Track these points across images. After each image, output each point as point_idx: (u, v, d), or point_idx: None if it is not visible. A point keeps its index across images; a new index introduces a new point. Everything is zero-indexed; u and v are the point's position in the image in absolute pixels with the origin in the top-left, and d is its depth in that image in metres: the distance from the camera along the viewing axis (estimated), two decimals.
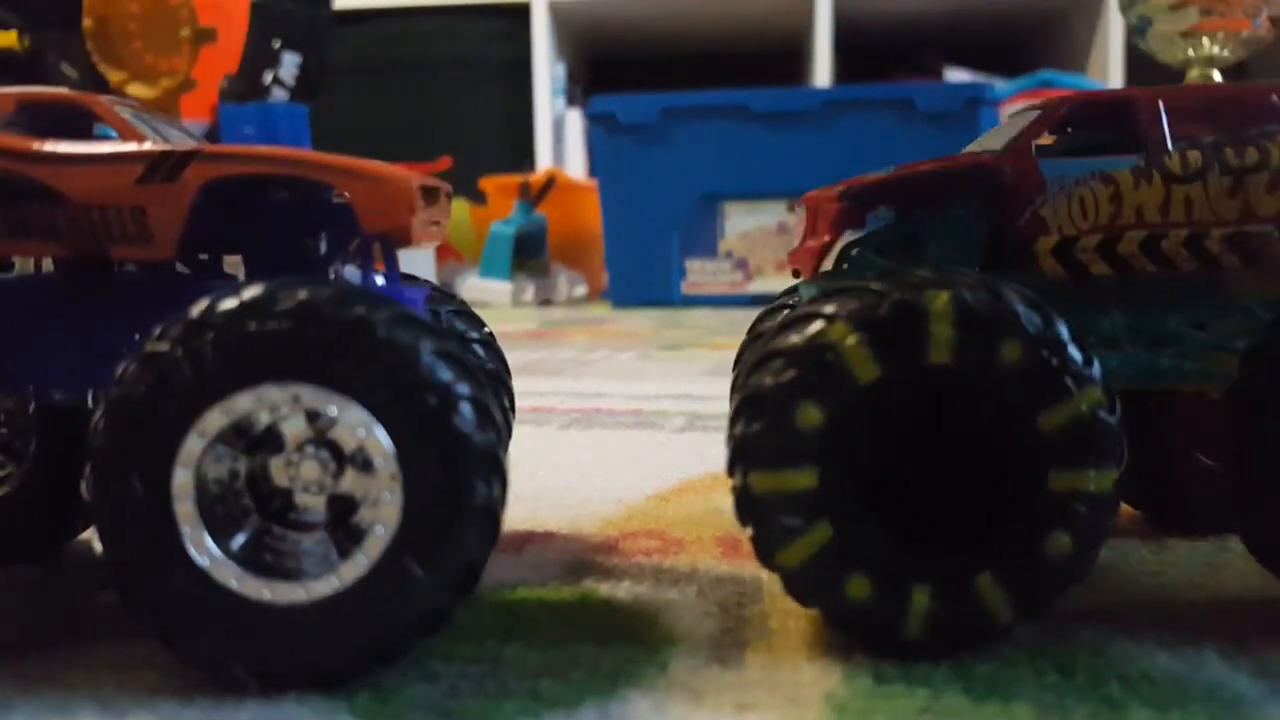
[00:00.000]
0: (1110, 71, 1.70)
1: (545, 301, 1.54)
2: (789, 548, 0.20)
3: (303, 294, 0.18)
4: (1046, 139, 0.24)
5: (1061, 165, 0.22)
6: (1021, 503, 0.20)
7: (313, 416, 0.19)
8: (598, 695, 0.19)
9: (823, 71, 1.79)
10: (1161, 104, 0.22)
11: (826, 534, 0.20)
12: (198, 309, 0.18)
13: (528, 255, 1.52)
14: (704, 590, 0.25)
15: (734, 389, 0.30)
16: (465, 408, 0.18)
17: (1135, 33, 0.29)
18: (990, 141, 0.24)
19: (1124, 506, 0.31)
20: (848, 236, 0.24)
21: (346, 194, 0.20)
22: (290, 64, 1.06)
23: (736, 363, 0.30)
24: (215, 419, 0.18)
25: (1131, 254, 0.22)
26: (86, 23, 0.99)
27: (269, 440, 0.19)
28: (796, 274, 0.26)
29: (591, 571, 0.27)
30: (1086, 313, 0.22)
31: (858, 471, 0.20)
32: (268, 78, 1.05)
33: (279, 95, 1.06)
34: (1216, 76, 0.28)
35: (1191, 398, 0.26)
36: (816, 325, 0.20)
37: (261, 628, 0.19)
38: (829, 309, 0.20)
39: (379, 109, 1.87)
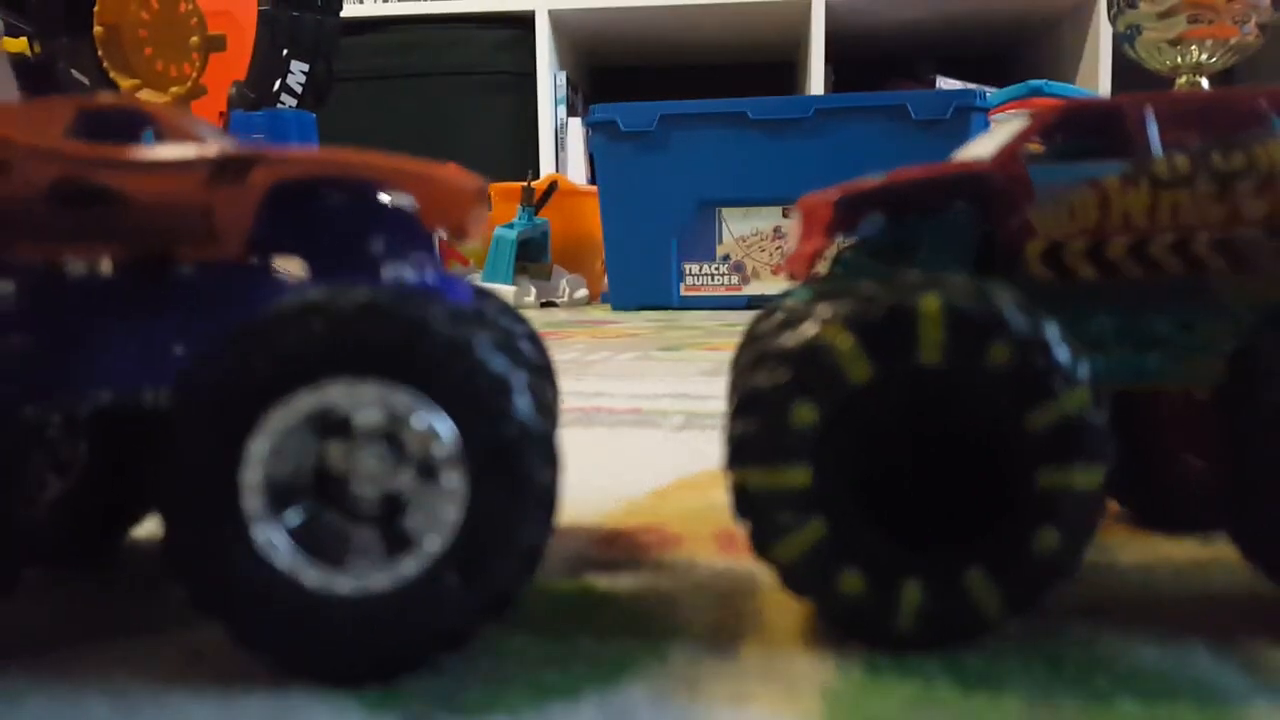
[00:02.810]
0: (1100, 80, 1.70)
1: (547, 304, 1.54)
2: (783, 543, 0.20)
3: (419, 307, 0.19)
4: (1035, 146, 0.24)
5: (1050, 171, 0.23)
6: (1011, 500, 0.20)
7: (393, 416, 0.19)
8: (598, 685, 0.19)
9: (817, 80, 1.79)
10: (1149, 111, 0.23)
11: (820, 530, 0.20)
12: (317, 293, 0.19)
13: (530, 259, 1.53)
14: (701, 583, 0.25)
15: (731, 389, 0.30)
16: (540, 444, 0.19)
17: (1124, 40, 0.29)
18: (980, 148, 0.24)
19: (1113, 504, 0.31)
20: (841, 241, 0.24)
21: (410, 193, 0.21)
22: (298, 72, 1.07)
23: (734, 364, 0.30)
24: (305, 399, 0.19)
25: (1119, 258, 0.22)
26: (97, 30, 0.99)
27: (339, 425, 0.20)
28: (793, 278, 0.26)
29: (592, 565, 0.27)
30: (1074, 316, 0.23)
31: (851, 469, 0.20)
32: (276, 85, 1.05)
33: (287, 103, 1.07)
34: (1204, 83, 0.29)
35: (1180, 397, 0.27)
36: (811, 327, 0.20)
37: (294, 609, 0.19)
38: (823, 311, 0.20)
39: (385, 117, 1.87)
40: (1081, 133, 0.24)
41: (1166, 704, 0.18)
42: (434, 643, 0.19)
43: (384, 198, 0.21)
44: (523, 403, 0.19)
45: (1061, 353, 0.20)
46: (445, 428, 0.19)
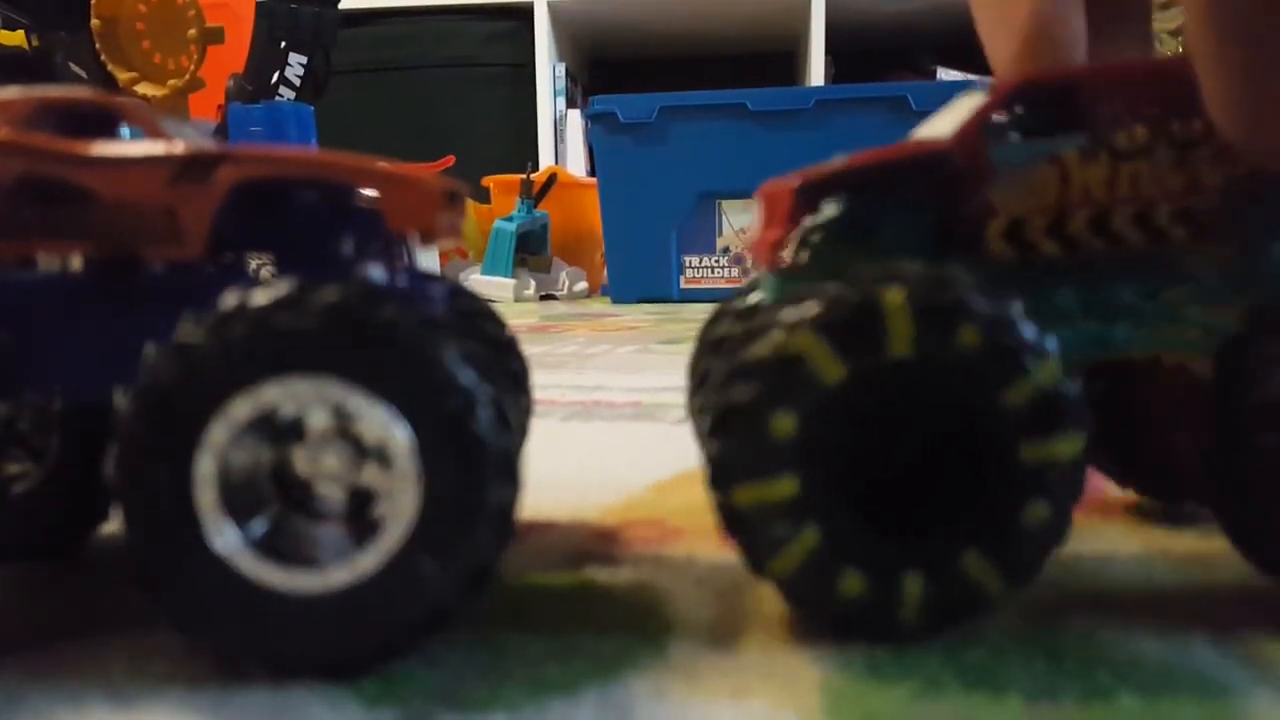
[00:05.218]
0: None
1: (547, 296, 1.55)
2: (780, 556, 0.20)
3: (332, 292, 0.19)
4: (995, 121, 0.24)
5: (1009, 148, 0.22)
6: (997, 478, 0.20)
7: (337, 410, 0.19)
8: (598, 680, 0.19)
9: (817, 72, 1.79)
10: (1106, 82, 0.22)
11: (815, 537, 0.20)
12: (229, 301, 0.19)
13: (530, 251, 1.53)
14: (702, 577, 0.25)
15: (692, 399, 0.30)
16: (485, 411, 0.19)
17: None
18: (939, 125, 0.24)
19: (1114, 495, 0.31)
20: (806, 224, 0.23)
21: (376, 194, 0.20)
22: (296, 64, 1.07)
23: (691, 370, 0.30)
24: (241, 407, 0.19)
25: (1080, 233, 0.22)
26: (95, 23, 0.99)
27: (293, 431, 0.19)
28: (756, 267, 0.25)
29: (592, 559, 0.27)
30: (1037, 291, 0.22)
31: (837, 471, 0.20)
32: (274, 78, 1.05)
33: (285, 95, 1.06)
34: None
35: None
36: (779, 335, 0.20)
37: (274, 616, 0.19)
38: (790, 317, 0.20)
39: (384, 109, 1.87)
40: (1040, 107, 0.23)
41: (1167, 697, 0.18)
42: (416, 625, 0.19)
43: (356, 198, 0.21)
44: (460, 372, 0.19)
45: (1027, 329, 0.19)
46: (380, 411, 0.19)
